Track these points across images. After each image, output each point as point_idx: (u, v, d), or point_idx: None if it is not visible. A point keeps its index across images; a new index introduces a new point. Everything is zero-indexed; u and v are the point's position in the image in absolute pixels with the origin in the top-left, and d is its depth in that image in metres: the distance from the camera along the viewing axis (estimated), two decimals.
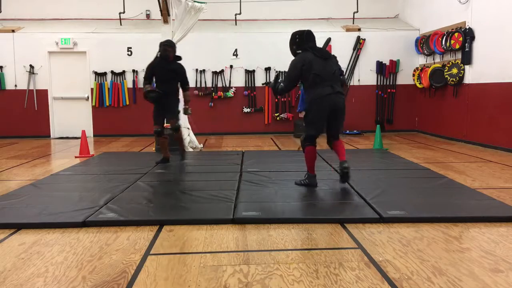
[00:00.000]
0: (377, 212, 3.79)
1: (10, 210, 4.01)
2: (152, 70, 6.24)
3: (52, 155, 7.84)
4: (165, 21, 8.50)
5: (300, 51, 4.79)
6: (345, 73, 10.76)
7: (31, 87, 10.34)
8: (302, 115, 10.03)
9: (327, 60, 4.77)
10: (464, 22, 8.52)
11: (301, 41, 4.79)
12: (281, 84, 4.92)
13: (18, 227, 3.61)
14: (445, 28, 9.14)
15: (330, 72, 4.73)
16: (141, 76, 10.38)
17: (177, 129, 6.40)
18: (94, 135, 10.52)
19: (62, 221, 3.67)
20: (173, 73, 6.21)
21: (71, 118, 10.45)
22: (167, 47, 6.17)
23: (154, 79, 6.28)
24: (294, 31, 4.91)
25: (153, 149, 8.05)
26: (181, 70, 6.30)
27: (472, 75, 8.42)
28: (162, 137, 6.34)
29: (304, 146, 4.80)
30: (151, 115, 6.31)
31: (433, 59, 9.81)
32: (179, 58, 6.32)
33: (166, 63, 6.18)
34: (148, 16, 11.20)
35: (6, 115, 10.31)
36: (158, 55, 6.27)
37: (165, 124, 8.01)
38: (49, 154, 7.99)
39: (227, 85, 10.66)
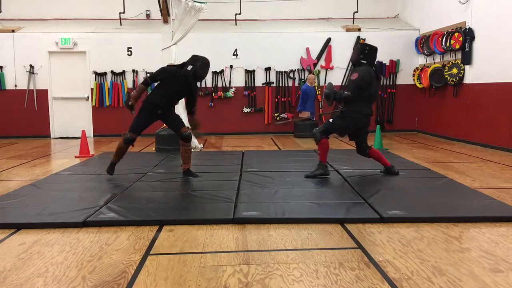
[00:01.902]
0: (377, 212, 3.79)
1: (10, 210, 4.01)
2: (167, 77, 5.22)
3: (52, 155, 7.84)
4: (165, 21, 8.50)
5: (365, 62, 5.13)
6: (346, 73, 10.79)
7: (31, 87, 10.34)
8: (302, 115, 10.04)
9: (378, 80, 5.30)
10: (464, 22, 8.52)
11: (370, 54, 5.16)
12: (345, 92, 5.13)
13: (18, 227, 3.61)
14: (445, 28, 9.14)
15: (376, 93, 5.32)
16: (141, 76, 10.44)
17: (190, 138, 5.42)
18: (94, 135, 10.52)
19: (62, 221, 3.67)
20: (190, 94, 5.38)
21: (71, 118, 10.45)
22: (207, 67, 5.26)
23: (154, 85, 5.38)
24: (365, 43, 5.44)
25: (153, 149, 8.05)
26: (197, 90, 5.50)
27: (472, 75, 8.42)
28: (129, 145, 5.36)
29: (321, 138, 5.16)
30: None
31: (433, 59, 9.81)
32: None
33: (192, 82, 5.25)
34: (148, 16, 11.20)
35: (6, 115, 10.30)
36: (189, 69, 5.14)
37: (165, 125, 7.98)
38: (49, 154, 7.99)
39: (227, 85, 10.66)
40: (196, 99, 5.44)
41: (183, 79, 5.18)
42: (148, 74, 5.12)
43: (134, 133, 5.25)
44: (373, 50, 5.20)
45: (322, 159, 5.26)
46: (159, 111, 5.24)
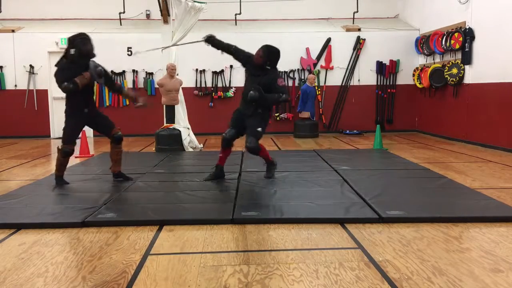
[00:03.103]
0: (376, 212, 3.79)
1: (10, 210, 4.01)
2: (66, 74, 4.67)
3: (52, 155, 7.83)
4: (165, 21, 8.51)
5: (269, 68, 5.18)
6: (346, 73, 10.79)
7: (31, 87, 10.34)
8: (302, 115, 10.05)
9: None
10: (464, 22, 8.52)
11: (277, 58, 5.22)
12: (284, 95, 5.14)
13: (18, 227, 3.61)
14: (445, 28, 9.14)
15: None
16: (141, 76, 10.48)
17: (121, 139, 5.22)
18: (94, 135, 10.52)
19: (62, 221, 3.67)
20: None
21: None
22: (88, 40, 4.81)
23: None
24: (268, 45, 5.25)
25: (153, 149, 8.05)
26: (101, 68, 4.95)
27: (472, 75, 8.42)
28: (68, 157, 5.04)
29: (260, 148, 5.18)
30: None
31: (433, 59, 9.81)
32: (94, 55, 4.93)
33: (85, 63, 4.80)
34: (148, 16, 11.20)
35: (6, 115, 10.30)
36: (73, 52, 4.71)
37: (165, 125, 7.99)
38: (49, 154, 7.98)
39: (227, 85, 10.66)
40: (108, 76, 5.13)
41: (73, 67, 4.73)
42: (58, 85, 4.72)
43: (70, 144, 4.94)
44: (277, 53, 5.18)
45: (269, 159, 5.32)
46: (85, 109, 4.91)
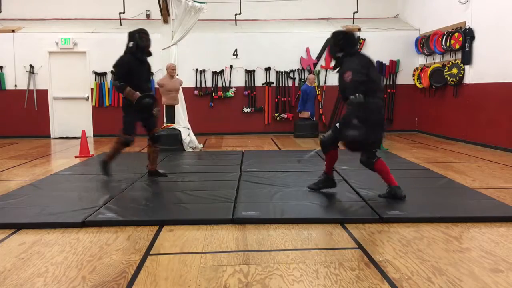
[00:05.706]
0: (376, 212, 3.79)
1: (10, 210, 4.01)
2: (128, 67, 5.00)
3: (52, 155, 7.84)
4: (165, 21, 8.51)
5: (340, 55, 4.31)
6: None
7: (31, 87, 10.33)
8: (302, 115, 10.04)
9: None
10: (464, 22, 8.52)
11: (347, 42, 4.26)
12: (351, 97, 4.23)
13: (18, 227, 3.61)
14: (445, 28, 9.14)
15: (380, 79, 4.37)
16: None
17: (159, 139, 5.48)
18: (94, 135, 10.52)
19: (62, 221, 3.67)
20: (149, 70, 5.33)
21: (71, 118, 10.45)
22: (146, 35, 5.01)
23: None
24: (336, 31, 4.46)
25: None
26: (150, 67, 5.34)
27: (472, 75, 8.42)
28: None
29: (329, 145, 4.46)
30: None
31: (433, 59, 9.81)
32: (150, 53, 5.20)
33: (144, 57, 5.11)
34: (148, 16, 11.19)
35: (6, 115, 10.30)
36: (132, 46, 4.99)
37: (165, 125, 7.99)
38: (49, 154, 7.98)
39: (227, 85, 10.66)
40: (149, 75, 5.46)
41: (135, 60, 5.03)
42: (113, 77, 5.11)
43: (131, 134, 5.29)
44: (348, 35, 4.20)
45: (330, 171, 4.60)
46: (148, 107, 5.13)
